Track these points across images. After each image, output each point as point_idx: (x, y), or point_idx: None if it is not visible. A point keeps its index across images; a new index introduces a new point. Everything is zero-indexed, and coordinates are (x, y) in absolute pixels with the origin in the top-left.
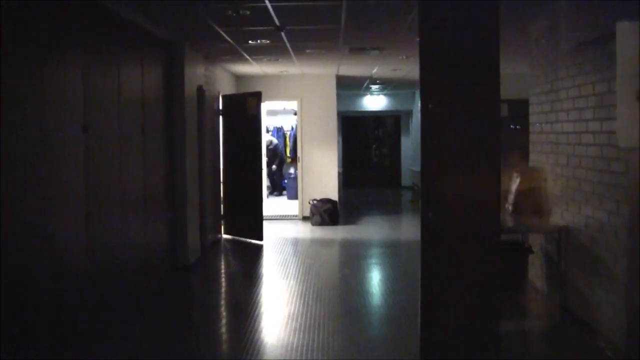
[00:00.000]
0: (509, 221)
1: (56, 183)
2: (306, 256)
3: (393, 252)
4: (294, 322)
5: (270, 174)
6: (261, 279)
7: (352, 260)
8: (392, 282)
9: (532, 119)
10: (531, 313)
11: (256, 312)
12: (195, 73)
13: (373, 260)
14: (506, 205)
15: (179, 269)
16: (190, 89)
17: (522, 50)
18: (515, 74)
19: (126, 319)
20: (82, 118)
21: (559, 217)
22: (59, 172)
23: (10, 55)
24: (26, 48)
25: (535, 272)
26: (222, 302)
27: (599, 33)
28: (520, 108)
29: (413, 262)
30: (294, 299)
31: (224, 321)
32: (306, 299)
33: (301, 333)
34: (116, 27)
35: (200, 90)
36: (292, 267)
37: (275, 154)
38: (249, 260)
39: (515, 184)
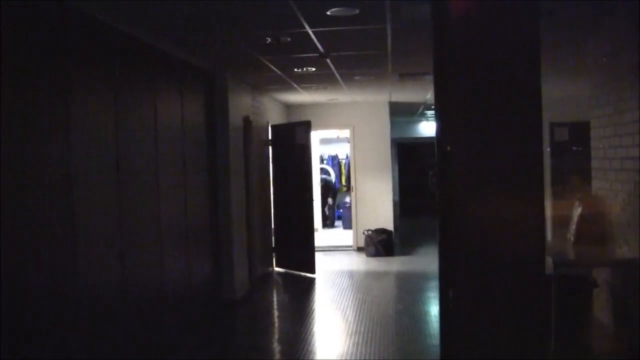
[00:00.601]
0: (570, 253)
1: (86, 223)
2: (359, 290)
3: None
4: None
5: (323, 208)
6: (311, 315)
7: (406, 294)
8: None
9: (594, 143)
10: (597, 351)
11: (303, 353)
12: (241, 103)
13: (427, 294)
14: (567, 236)
15: (225, 305)
16: (235, 119)
17: (581, 71)
18: (575, 96)
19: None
20: (115, 153)
21: (625, 249)
22: (89, 211)
23: (43, 90)
24: (57, 82)
25: (601, 307)
26: (267, 342)
27: None
28: (581, 131)
29: None
30: (345, 338)
31: None
32: (357, 338)
33: None
34: (153, 59)
35: (246, 120)
36: (344, 302)
37: (327, 187)
38: (299, 295)
39: (577, 212)
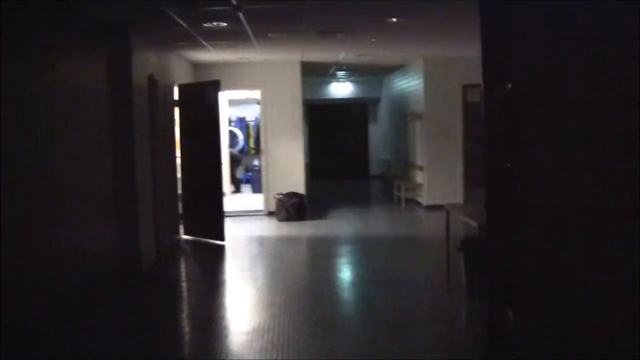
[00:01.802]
0: None
1: None
2: (272, 257)
3: (364, 250)
4: (259, 339)
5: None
6: (223, 287)
7: (322, 260)
8: (366, 285)
9: None
10: None
11: (216, 329)
12: (146, 61)
13: (344, 260)
14: None
15: (131, 277)
16: (139, 78)
17: None
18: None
19: (65, 335)
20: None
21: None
22: None
23: None
24: None
25: None
26: (177, 318)
27: None
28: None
29: (387, 261)
30: (260, 310)
31: (178, 341)
32: (273, 310)
33: (268, 353)
34: (43, 8)
35: (151, 79)
36: (256, 271)
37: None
38: (209, 264)
39: None
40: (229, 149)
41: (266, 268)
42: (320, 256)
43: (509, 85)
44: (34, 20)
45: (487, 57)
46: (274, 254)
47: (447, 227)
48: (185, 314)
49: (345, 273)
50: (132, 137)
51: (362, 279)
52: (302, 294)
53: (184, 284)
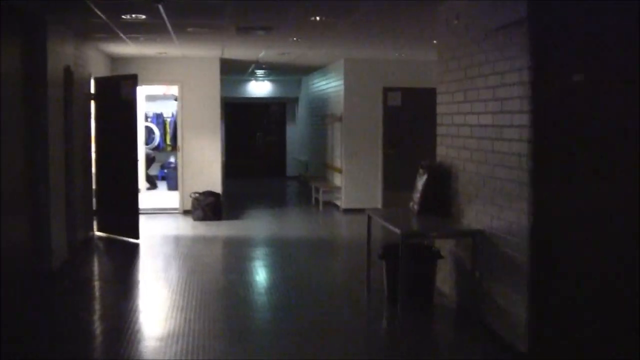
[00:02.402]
0: (415, 224)
1: None
2: (187, 258)
3: (281, 252)
4: (174, 345)
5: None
6: (136, 287)
7: (237, 262)
8: (283, 290)
9: (440, 109)
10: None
11: (130, 332)
12: (63, 51)
13: (260, 263)
14: (410, 205)
15: (41, 276)
16: (55, 70)
17: (426, 34)
18: (411, 61)
19: None
20: None
21: (472, 219)
22: None
23: None
24: None
25: (444, 278)
26: (87, 320)
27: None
28: (420, 97)
29: (305, 265)
30: (175, 314)
31: (87, 345)
32: (188, 314)
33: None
34: None
35: (68, 71)
36: (171, 271)
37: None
38: (122, 264)
39: (421, 180)
40: (145, 145)
41: (181, 269)
42: (236, 258)
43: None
44: None
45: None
46: (189, 255)
47: (369, 233)
48: (95, 316)
49: (262, 277)
50: (45, 129)
51: (279, 284)
52: (217, 298)
53: (95, 284)
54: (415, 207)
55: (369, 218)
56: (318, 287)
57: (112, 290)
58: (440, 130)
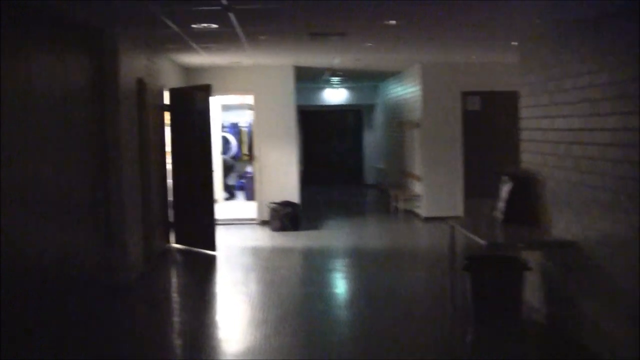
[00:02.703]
0: (500, 234)
1: None
2: (265, 270)
3: (361, 264)
4: None
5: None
6: (213, 302)
7: (316, 274)
8: (364, 304)
9: (524, 113)
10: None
11: (207, 349)
12: (134, 64)
13: (340, 275)
14: (494, 214)
15: (116, 290)
16: (127, 82)
17: (505, 35)
18: (491, 63)
19: (42, 353)
20: None
21: (562, 229)
22: None
23: None
24: None
25: (532, 291)
26: (164, 335)
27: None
28: (501, 101)
29: (385, 277)
30: (253, 330)
31: None
32: (266, 329)
33: None
34: (19, 12)
35: (140, 83)
36: (249, 284)
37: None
38: (200, 277)
39: (506, 188)
40: (222, 155)
41: (259, 282)
42: (315, 270)
43: None
44: (11, 23)
45: None
46: (267, 267)
47: (452, 245)
48: (171, 332)
49: (341, 289)
50: (117, 142)
51: (359, 297)
52: (296, 312)
53: (171, 297)
54: (500, 216)
55: (452, 228)
56: (399, 301)
57: (189, 304)
58: (524, 135)
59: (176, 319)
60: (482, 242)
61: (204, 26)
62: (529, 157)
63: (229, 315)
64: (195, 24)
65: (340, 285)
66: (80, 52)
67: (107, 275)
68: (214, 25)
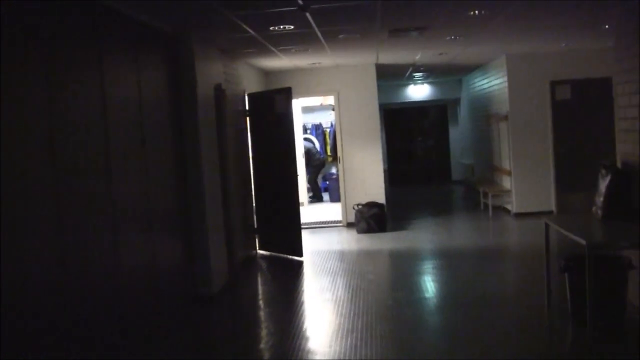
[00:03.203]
0: (600, 233)
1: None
2: (352, 274)
3: (451, 265)
4: None
5: (315, 181)
6: (300, 310)
7: (405, 278)
8: (455, 308)
9: (621, 101)
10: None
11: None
12: (211, 70)
13: (429, 278)
14: (593, 209)
15: (200, 300)
16: (205, 88)
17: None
18: (582, 49)
19: None
20: (47, 139)
21: None
22: (24, 195)
23: None
24: None
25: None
26: (250, 346)
27: None
28: (592, 89)
29: (477, 279)
30: (340, 339)
31: None
32: (354, 339)
33: None
34: (99, 19)
35: (219, 89)
36: (335, 290)
37: (310, 158)
38: (285, 284)
39: (605, 181)
40: (304, 157)
41: (346, 287)
42: (403, 273)
43: None
44: (83, 30)
45: None
46: (353, 271)
47: (547, 243)
48: (257, 343)
49: (430, 294)
50: (198, 149)
51: (449, 302)
52: (384, 319)
53: (257, 307)
54: (599, 212)
55: (547, 227)
56: (493, 305)
57: (275, 314)
58: (621, 124)
59: (261, 329)
60: (582, 241)
61: (281, 28)
62: (628, 148)
63: (316, 324)
64: (271, 26)
65: (430, 290)
66: (155, 59)
67: (190, 286)
68: (291, 27)
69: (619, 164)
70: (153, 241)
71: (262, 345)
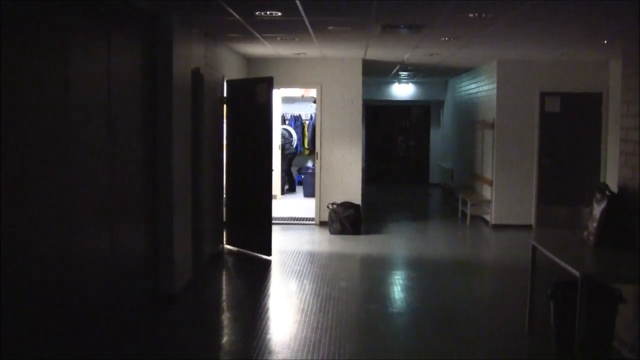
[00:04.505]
0: (593, 262)
1: None
2: (322, 280)
3: (426, 277)
4: None
5: (284, 171)
6: (263, 318)
7: (378, 287)
8: (430, 327)
9: (625, 122)
10: None
11: None
12: (190, 53)
13: (403, 290)
14: (584, 234)
15: (162, 300)
16: (182, 72)
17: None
18: (575, 61)
19: None
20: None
21: None
22: None
23: None
24: None
25: (625, 325)
26: (208, 356)
27: None
28: (582, 103)
29: (454, 294)
30: (305, 354)
31: None
32: (320, 354)
33: None
34: None
35: (196, 73)
36: (303, 297)
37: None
38: (251, 286)
39: (600, 206)
40: (280, 149)
41: (315, 294)
42: (376, 282)
43: None
44: (47, 5)
45: None
46: (324, 276)
47: (532, 268)
48: (216, 353)
49: (405, 308)
50: (169, 135)
51: (425, 318)
52: (354, 334)
53: (219, 311)
54: (592, 238)
55: (534, 249)
56: (470, 325)
57: (237, 320)
58: (624, 147)
59: (222, 336)
60: (575, 272)
61: (268, 14)
62: (628, 173)
63: (280, 335)
64: (257, 11)
65: (405, 303)
66: (130, 38)
67: (152, 284)
68: (278, 13)
69: (615, 188)
70: (112, 235)
71: (218, 356)
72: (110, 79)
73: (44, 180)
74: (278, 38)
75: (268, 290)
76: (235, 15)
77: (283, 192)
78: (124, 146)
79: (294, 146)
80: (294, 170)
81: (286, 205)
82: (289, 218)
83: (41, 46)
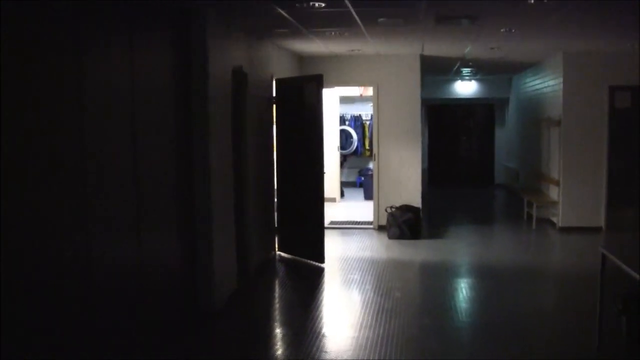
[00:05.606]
0: None
1: None
2: (377, 290)
3: (489, 286)
4: None
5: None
6: (310, 334)
7: (435, 298)
8: (490, 341)
9: None
10: None
11: None
12: (230, 50)
13: (464, 301)
14: None
15: (201, 317)
16: (220, 71)
17: None
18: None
19: None
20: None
21: None
22: None
23: None
24: None
25: None
26: None
27: None
28: None
29: (518, 305)
30: None
31: None
32: None
33: None
34: None
35: (239, 72)
36: (355, 310)
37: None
38: (300, 298)
39: None
40: (341, 150)
41: (368, 306)
42: (434, 293)
43: None
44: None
45: None
46: (379, 286)
47: (602, 278)
48: None
49: (463, 322)
50: (205, 143)
51: (484, 334)
52: (406, 352)
53: (264, 327)
54: None
55: (603, 257)
56: (532, 342)
57: (283, 337)
58: None
59: (266, 354)
60: None
61: (310, 5)
62: None
63: (329, 353)
64: (298, 2)
65: (463, 316)
66: (156, 39)
67: (191, 299)
68: (322, 4)
69: None
70: (139, 242)
71: None
72: (134, 87)
73: (61, 199)
74: (327, 33)
75: (318, 302)
76: (276, 7)
77: (342, 195)
78: (155, 156)
79: (354, 148)
80: (353, 172)
81: (345, 208)
82: (346, 222)
83: (55, 54)
